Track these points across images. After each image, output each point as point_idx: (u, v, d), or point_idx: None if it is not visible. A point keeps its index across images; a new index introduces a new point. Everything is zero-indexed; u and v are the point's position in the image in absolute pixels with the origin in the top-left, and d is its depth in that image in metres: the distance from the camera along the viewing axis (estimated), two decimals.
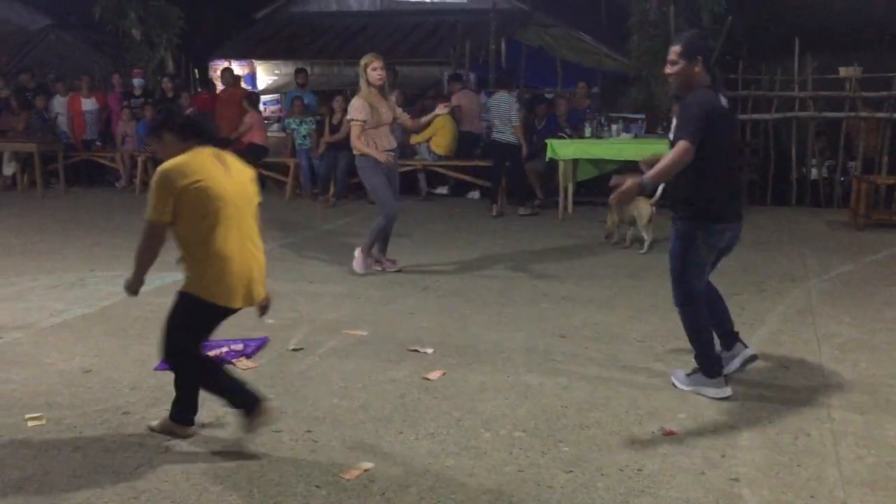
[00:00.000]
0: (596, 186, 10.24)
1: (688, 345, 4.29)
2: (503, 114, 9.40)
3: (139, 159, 11.84)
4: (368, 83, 6.52)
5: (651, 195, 6.69)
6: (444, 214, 9.96)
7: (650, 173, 4.00)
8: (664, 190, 6.47)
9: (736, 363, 4.38)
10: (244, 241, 3.53)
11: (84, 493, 3.19)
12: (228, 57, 14.09)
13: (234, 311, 3.55)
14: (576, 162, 9.65)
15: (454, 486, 3.25)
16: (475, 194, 11.20)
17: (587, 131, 9.55)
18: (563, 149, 9.36)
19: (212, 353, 4.70)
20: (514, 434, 3.72)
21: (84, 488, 3.23)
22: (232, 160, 3.61)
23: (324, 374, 4.49)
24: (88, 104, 12.42)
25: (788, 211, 10.16)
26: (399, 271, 6.82)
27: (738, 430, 3.76)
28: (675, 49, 4.05)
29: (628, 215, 7.70)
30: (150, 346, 4.89)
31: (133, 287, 3.61)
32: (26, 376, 4.46)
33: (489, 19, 12.37)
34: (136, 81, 12.44)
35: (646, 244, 7.58)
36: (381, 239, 6.85)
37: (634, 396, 4.15)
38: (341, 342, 5.02)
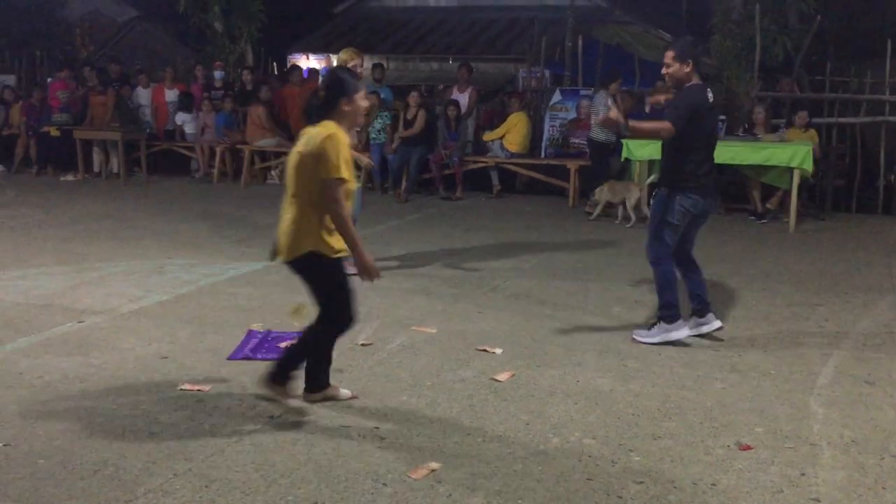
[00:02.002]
0: None
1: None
2: (598, 112, 9.44)
3: (218, 150, 12.10)
4: None
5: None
6: (516, 213, 9.90)
7: (633, 123, 5.00)
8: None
9: (703, 329, 5.11)
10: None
11: (157, 480, 3.25)
12: (306, 51, 14.29)
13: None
14: (651, 163, 9.45)
15: (521, 492, 3.20)
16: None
17: None
18: (639, 149, 9.18)
19: (284, 345, 4.76)
20: (584, 441, 3.65)
21: (157, 475, 3.30)
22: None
23: (392, 371, 4.49)
24: (171, 95, 12.74)
25: (874, 220, 9.78)
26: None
27: (818, 447, 3.62)
28: (669, 53, 4.90)
29: (620, 196, 9.06)
30: (225, 336, 4.99)
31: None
32: (105, 360, 4.58)
33: (566, 16, 12.23)
34: (217, 73, 12.70)
35: (632, 221, 8.86)
36: None
37: (709, 407, 4.03)
38: (410, 339, 5.02)
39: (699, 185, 4.94)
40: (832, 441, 3.68)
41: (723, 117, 9.92)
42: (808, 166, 8.54)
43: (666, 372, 4.52)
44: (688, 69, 4.85)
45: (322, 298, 3.82)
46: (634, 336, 5.05)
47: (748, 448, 3.59)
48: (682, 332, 4.97)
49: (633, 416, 3.92)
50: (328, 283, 3.81)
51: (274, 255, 3.88)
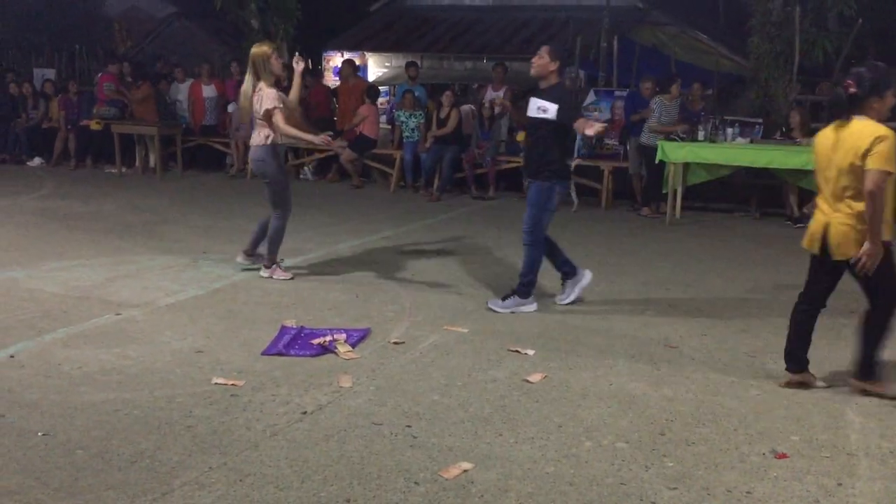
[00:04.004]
0: (706, 192, 9.97)
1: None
2: (657, 117, 9.61)
3: None
4: (272, 73, 6.08)
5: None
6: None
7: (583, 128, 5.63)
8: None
9: (584, 283, 5.83)
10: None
11: (192, 473, 3.29)
12: (341, 48, 14.33)
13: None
14: (686, 165, 9.37)
15: (554, 495, 3.19)
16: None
17: (700, 134, 9.27)
18: (674, 151, 9.12)
19: (316, 342, 4.80)
20: (617, 445, 3.64)
21: (192, 468, 3.33)
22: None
23: (424, 370, 4.50)
24: (208, 91, 12.86)
25: None
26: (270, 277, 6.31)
27: (855, 457, 3.57)
28: (545, 48, 5.49)
29: None
30: (258, 331, 5.03)
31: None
32: (142, 353, 4.65)
33: (602, 16, 12.15)
34: None
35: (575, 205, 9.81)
36: (259, 237, 6.44)
37: (744, 414, 3.99)
38: (442, 338, 5.03)
39: (569, 174, 6.07)
40: (869, 451, 3.63)
41: (759, 121, 9.82)
42: None
43: (700, 377, 4.48)
44: (553, 67, 5.46)
45: (886, 283, 4.09)
46: (489, 305, 5.65)
47: (784, 456, 3.55)
48: (531, 307, 5.64)
49: (666, 421, 3.89)
50: (892, 269, 4.06)
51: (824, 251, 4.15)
